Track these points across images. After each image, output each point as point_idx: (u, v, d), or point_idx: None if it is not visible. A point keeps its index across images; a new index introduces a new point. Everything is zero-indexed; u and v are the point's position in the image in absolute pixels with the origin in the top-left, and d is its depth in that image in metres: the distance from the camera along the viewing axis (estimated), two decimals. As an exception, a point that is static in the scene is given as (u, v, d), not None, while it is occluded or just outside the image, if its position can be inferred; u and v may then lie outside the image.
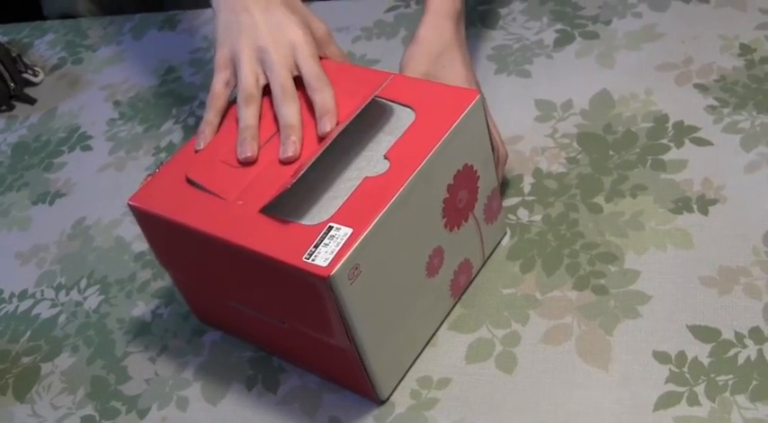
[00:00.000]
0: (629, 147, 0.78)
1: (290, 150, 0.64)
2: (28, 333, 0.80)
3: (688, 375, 0.62)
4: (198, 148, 0.69)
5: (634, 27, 0.90)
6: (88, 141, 0.99)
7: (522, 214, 0.76)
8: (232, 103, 0.71)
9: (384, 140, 0.64)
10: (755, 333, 0.63)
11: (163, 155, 0.93)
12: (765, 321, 0.64)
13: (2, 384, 0.76)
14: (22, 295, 0.84)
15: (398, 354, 0.66)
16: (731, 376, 0.61)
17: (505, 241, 0.74)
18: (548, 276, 0.70)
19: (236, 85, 0.71)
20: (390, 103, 0.67)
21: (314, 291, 0.57)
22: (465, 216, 0.67)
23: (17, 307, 0.83)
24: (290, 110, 0.67)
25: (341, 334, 0.60)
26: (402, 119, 0.65)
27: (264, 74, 0.70)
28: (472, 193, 0.67)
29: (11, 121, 1.06)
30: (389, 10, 1.03)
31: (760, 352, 0.62)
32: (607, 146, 0.79)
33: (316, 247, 0.57)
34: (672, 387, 0.62)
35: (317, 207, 0.61)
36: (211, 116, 0.70)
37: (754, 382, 0.61)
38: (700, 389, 0.61)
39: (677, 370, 0.62)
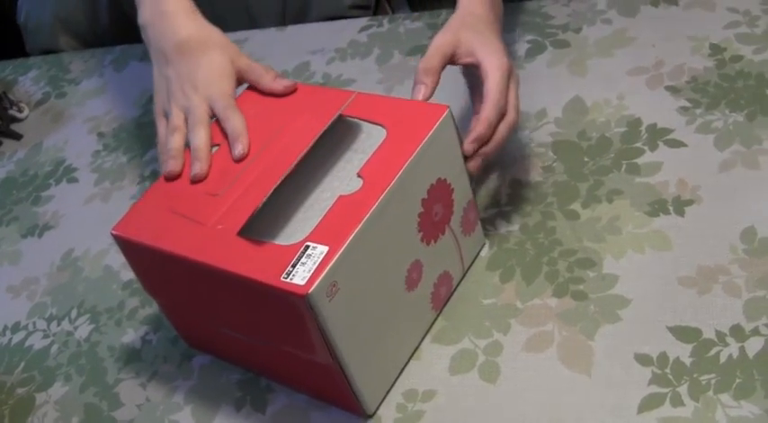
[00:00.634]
0: (604, 152, 0.79)
1: (195, 169, 0.69)
2: (22, 364, 0.81)
3: (671, 376, 0.62)
4: (173, 170, 0.70)
5: (604, 33, 0.91)
6: (74, 173, 1.00)
7: (500, 224, 0.76)
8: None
9: (356, 158, 0.65)
10: (736, 331, 0.63)
11: (147, 183, 0.94)
12: (746, 319, 0.64)
13: (-3, 417, 0.77)
14: (15, 328, 0.84)
15: (382, 368, 0.66)
16: (714, 375, 0.61)
17: (484, 252, 0.74)
18: (527, 285, 0.71)
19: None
20: (360, 121, 0.68)
21: (293, 309, 0.58)
22: (441, 229, 0.68)
23: (10, 339, 0.83)
24: (198, 134, 0.72)
25: (323, 351, 0.60)
26: (373, 136, 0.66)
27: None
28: (447, 206, 0.68)
29: (-2, 157, 1.08)
30: (362, 29, 1.03)
31: (742, 349, 0.62)
32: (582, 152, 0.80)
33: (293, 266, 0.58)
34: (655, 388, 0.62)
35: (294, 227, 0.62)
36: (174, 144, 0.73)
37: (738, 380, 0.61)
38: (683, 389, 0.61)
39: (660, 371, 0.62)
